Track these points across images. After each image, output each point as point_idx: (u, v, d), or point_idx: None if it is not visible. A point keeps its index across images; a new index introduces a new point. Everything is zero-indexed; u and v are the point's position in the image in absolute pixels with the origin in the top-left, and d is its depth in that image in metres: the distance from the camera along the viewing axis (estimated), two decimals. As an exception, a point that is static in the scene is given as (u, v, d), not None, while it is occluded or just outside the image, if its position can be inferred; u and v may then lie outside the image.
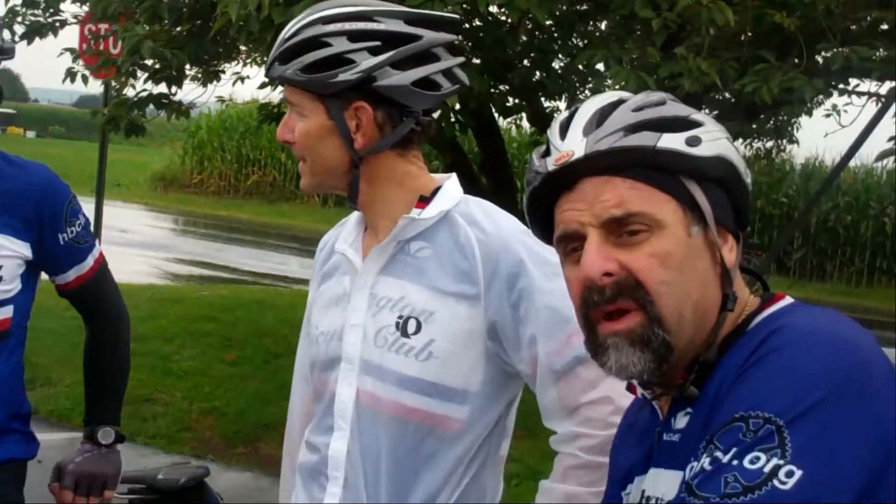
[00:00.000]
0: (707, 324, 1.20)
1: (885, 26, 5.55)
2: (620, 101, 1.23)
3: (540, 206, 1.27)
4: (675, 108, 1.23)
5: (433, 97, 1.79)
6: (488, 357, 1.77)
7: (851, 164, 19.12)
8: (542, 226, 1.30)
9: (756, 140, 9.53)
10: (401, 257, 1.82)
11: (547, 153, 1.24)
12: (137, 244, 16.04)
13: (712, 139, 1.20)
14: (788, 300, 1.22)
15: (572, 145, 1.20)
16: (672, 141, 1.18)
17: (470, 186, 2.12)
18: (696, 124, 1.21)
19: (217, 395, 6.96)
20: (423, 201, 1.82)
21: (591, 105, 1.24)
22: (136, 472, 2.59)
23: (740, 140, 8.68)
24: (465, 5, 4.78)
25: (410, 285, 1.79)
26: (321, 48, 1.73)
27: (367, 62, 1.72)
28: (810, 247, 19.74)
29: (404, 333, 1.76)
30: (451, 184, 1.87)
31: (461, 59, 1.83)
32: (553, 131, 1.25)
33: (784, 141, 9.67)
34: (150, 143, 37.71)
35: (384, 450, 1.77)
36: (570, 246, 1.23)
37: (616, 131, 1.18)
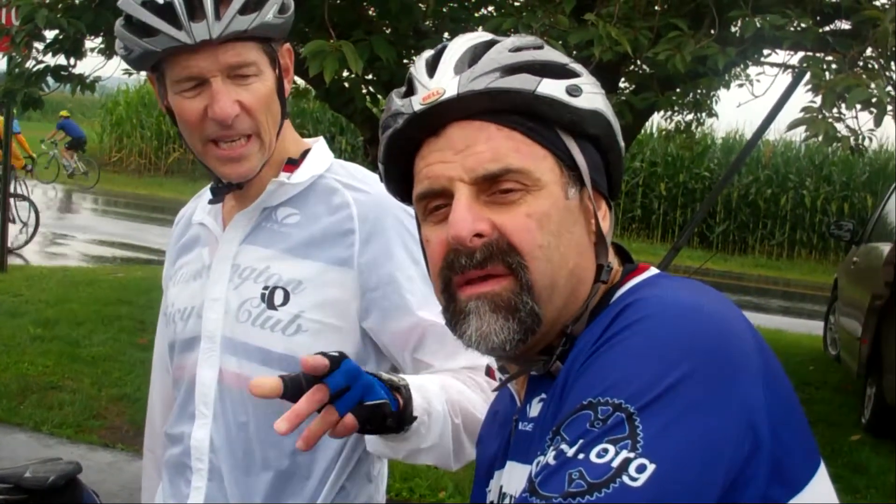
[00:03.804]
0: (579, 296, 1.08)
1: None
2: (494, 41, 1.11)
3: (398, 155, 1.12)
4: (553, 54, 1.11)
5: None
6: (363, 328, 1.64)
7: (771, 137, 19.54)
8: (399, 180, 1.15)
9: (676, 113, 9.57)
10: (266, 225, 1.67)
11: (410, 92, 1.09)
12: (52, 225, 15.53)
13: (591, 92, 1.09)
14: (653, 271, 1.11)
15: (442, 83, 1.06)
16: (552, 87, 1.06)
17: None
18: (576, 73, 1.10)
19: (128, 380, 6.72)
20: (292, 164, 1.68)
21: (461, 43, 1.11)
22: (1, 470, 2.40)
23: (660, 113, 8.69)
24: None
25: (277, 254, 1.65)
26: None
27: None
28: (732, 220, 20.06)
29: (270, 305, 1.62)
30: (320, 146, 1.73)
31: None
32: (418, 69, 1.10)
33: (703, 114, 9.72)
34: (68, 122, 36.66)
35: (255, 436, 1.63)
36: (433, 203, 1.09)
37: (492, 71, 1.05)
